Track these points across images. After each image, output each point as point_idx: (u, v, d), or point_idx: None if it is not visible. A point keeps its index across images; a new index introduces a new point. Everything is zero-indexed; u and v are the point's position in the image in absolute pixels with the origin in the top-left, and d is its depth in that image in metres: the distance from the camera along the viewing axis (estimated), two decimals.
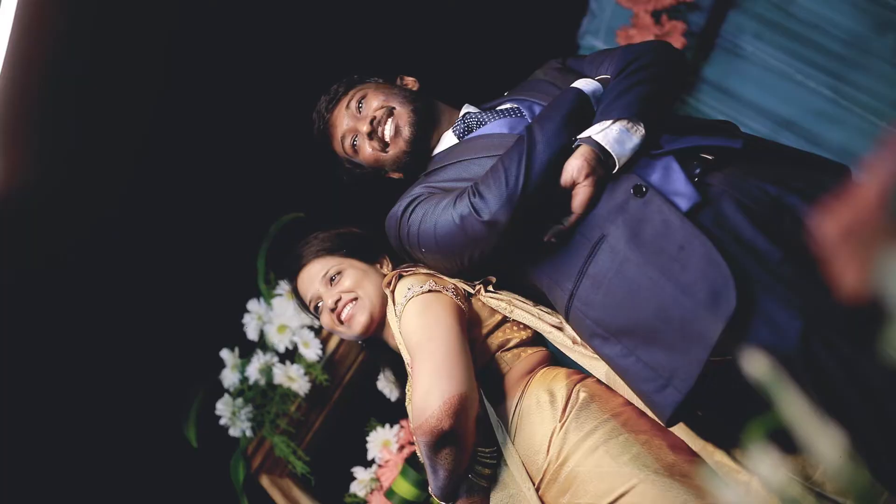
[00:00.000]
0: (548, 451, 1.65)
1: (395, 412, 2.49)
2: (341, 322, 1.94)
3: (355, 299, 1.93)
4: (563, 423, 1.65)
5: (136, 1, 2.16)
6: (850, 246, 0.56)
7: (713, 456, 1.57)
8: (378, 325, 1.93)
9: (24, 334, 2.24)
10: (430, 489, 1.73)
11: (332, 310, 1.94)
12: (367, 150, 1.95)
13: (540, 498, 1.65)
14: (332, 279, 1.96)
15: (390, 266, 1.99)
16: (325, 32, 2.48)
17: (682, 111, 3.01)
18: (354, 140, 1.97)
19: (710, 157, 1.59)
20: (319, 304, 1.97)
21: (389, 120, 1.92)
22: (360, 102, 1.96)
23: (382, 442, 2.39)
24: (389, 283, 1.87)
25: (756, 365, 0.63)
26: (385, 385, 2.45)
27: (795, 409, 0.61)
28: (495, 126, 1.85)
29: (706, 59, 3.00)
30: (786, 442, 0.67)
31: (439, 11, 2.71)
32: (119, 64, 2.16)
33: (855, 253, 0.56)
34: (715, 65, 2.99)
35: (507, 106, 1.89)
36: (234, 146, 2.45)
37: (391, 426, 2.43)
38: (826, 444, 0.61)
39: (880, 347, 0.54)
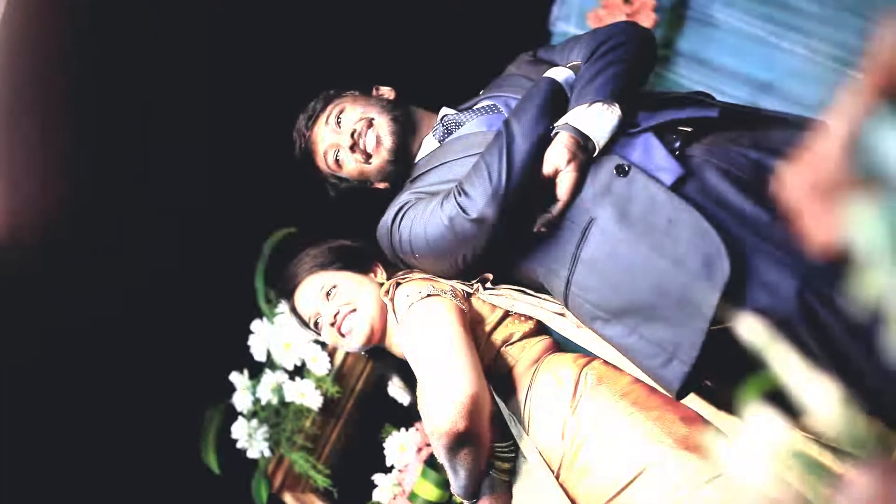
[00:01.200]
0: (562, 437, 1.66)
1: (409, 416, 2.48)
2: (342, 335, 1.95)
3: (353, 311, 1.93)
4: (575, 408, 1.66)
5: (116, 31, 2.18)
6: (816, 199, 0.57)
7: (727, 421, 1.58)
8: (380, 334, 1.94)
9: (29, 380, 2.26)
10: (452, 489, 1.74)
11: (332, 324, 1.95)
12: (351, 163, 1.96)
13: (560, 485, 1.66)
14: (328, 294, 1.97)
15: (385, 274, 2.00)
16: (294, 50, 2.48)
17: (661, 86, 3.01)
18: (337, 155, 1.98)
19: (688, 129, 1.60)
20: (319, 321, 1.98)
21: (370, 131, 1.93)
22: (338, 117, 1.96)
23: (400, 446, 2.39)
24: (388, 292, 1.88)
25: (747, 328, 0.63)
26: (396, 390, 2.45)
27: (788, 367, 0.62)
28: (474, 125, 1.86)
29: (679, 32, 3.00)
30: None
31: (409, 17, 2.72)
32: (103, 85, 2.18)
33: (821, 206, 0.57)
34: (688, 37, 2.99)
35: (484, 104, 1.89)
36: (218, 166, 2.46)
37: (407, 430, 2.43)
38: (822, 398, 0.61)
39: (852, 296, 0.54)
